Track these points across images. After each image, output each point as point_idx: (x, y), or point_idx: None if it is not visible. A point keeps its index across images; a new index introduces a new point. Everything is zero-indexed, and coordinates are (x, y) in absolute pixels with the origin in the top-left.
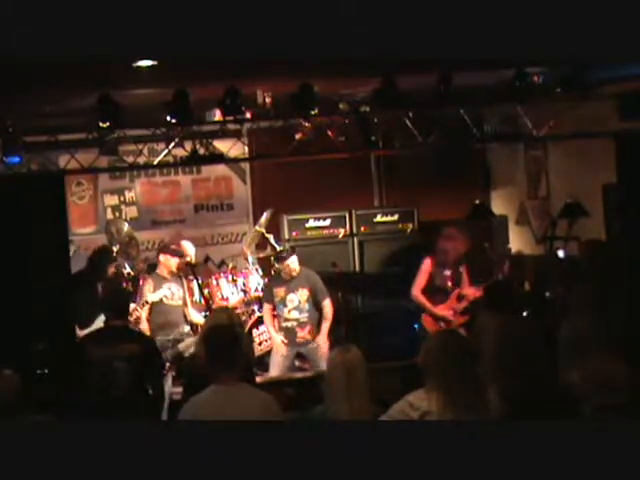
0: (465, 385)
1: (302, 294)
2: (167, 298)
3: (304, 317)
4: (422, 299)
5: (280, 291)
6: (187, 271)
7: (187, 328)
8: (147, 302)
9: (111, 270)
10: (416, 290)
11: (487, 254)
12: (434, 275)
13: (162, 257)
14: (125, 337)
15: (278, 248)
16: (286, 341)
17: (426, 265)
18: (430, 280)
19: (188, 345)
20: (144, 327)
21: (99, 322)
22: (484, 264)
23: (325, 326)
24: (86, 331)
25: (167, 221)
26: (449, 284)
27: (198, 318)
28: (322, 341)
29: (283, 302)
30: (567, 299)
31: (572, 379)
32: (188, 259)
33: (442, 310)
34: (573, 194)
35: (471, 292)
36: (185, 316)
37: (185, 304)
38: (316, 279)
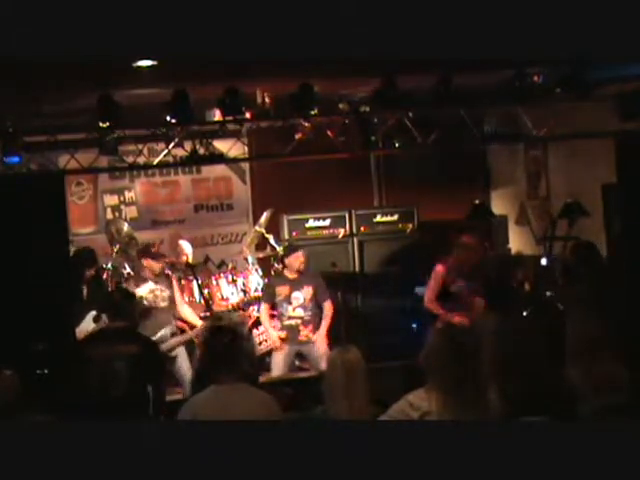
0: (465, 384)
1: (307, 292)
2: (148, 301)
3: (308, 315)
4: (436, 307)
5: (284, 289)
6: (186, 271)
7: (169, 330)
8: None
9: (90, 273)
10: (429, 298)
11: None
12: (447, 282)
13: (144, 261)
14: (126, 337)
15: (278, 248)
16: (284, 337)
17: (438, 272)
18: (442, 287)
19: (171, 345)
20: None
21: (86, 323)
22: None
23: (324, 326)
24: (78, 329)
25: (167, 221)
26: (462, 292)
27: (192, 317)
28: (321, 341)
29: (287, 300)
30: (565, 300)
31: (572, 379)
32: (184, 258)
33: (457, 318)
34: (573, 194)
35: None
36: (173, 316)
37: (173, 303)
38: (320, 279)
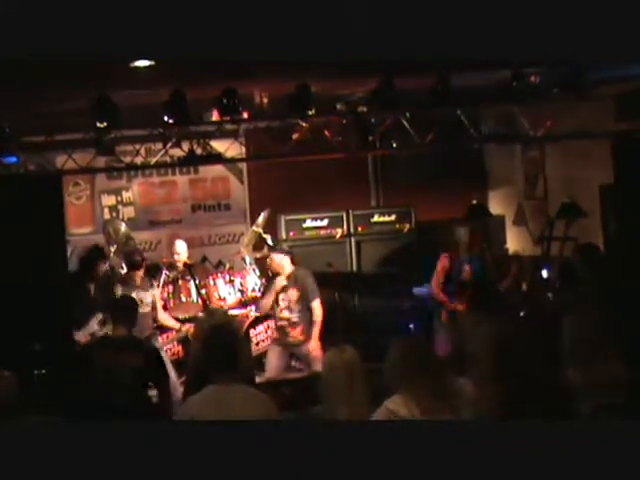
0: (432, 390)
1: (292, 294)
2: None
3: (295, 317)
4: (441, 296)
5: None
6: (184, 271)
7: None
8: None
9: (101, 269)
10: (435, 287)
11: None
12: (453, 270)
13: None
14: (129, 346)
15: None
16: (277, 337)
17: (443, 262)
18: (448, 276)
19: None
20: None
21: (94, 323)
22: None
23: (316, 329)
24: (82, 332)
25: (164, 221)
26: (467, 278)
27: (171, 322)
28: (315, 346)
29: (276, 301)
30: (566, 300)
31: (572, 379)
32: (176, 257)
33: (459, 306)
34: (570, 194)
35: None
36: (153, 321)
37: (154, 309)
38: (308, 279)
